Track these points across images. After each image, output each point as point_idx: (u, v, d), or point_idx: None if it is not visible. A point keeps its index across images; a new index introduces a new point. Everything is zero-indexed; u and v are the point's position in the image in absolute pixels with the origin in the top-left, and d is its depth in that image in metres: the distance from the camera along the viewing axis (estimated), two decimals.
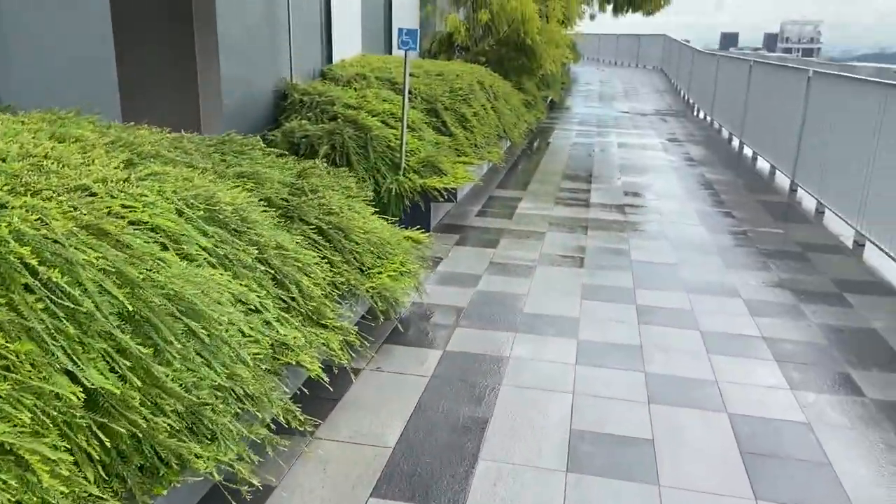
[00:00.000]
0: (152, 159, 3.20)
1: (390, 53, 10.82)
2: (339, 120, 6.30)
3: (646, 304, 4.66)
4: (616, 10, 20.08)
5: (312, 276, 3.34)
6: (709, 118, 14.68)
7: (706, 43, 31.38)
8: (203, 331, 2.29)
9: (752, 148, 10.51)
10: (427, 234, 5.10)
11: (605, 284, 5.02)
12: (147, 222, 2.50)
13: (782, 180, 8.77)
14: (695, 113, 16.36)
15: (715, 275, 5.32)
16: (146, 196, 2.59)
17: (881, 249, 5.71)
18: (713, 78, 14.14)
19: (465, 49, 12.11)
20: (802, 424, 3.26)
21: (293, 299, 3.11)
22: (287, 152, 5.36)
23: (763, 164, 9.78)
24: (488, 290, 4.87)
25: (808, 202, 7.71)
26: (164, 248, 2.50)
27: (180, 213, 2.74)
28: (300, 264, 3.33)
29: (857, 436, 3.18)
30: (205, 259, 2.68)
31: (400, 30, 5.98)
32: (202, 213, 2.86)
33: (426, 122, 7.53)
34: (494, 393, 3.45)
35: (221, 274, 2.66)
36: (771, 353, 3.99)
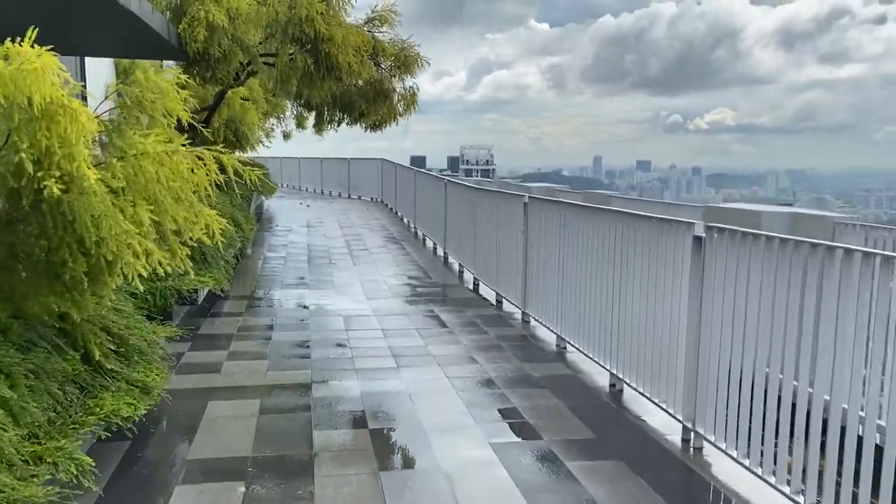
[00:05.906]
0: None
1: None
2: None
3: None
4: (318, 125, 13.36)
5: None
6: (505, 302, 8.23)
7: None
8: None
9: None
10: None
11: None
12: None
13: None
14: (462, 281, 9.88)
15: None
16: None
17: None
18: (511, 236, 7.74)
19: None
20: None
21: None
22: None
23: None
24: None
25: None
26: None
27: None
28: None
29: None
30: None
31: None
32: None
33: None
34: None
35: None
36: None
